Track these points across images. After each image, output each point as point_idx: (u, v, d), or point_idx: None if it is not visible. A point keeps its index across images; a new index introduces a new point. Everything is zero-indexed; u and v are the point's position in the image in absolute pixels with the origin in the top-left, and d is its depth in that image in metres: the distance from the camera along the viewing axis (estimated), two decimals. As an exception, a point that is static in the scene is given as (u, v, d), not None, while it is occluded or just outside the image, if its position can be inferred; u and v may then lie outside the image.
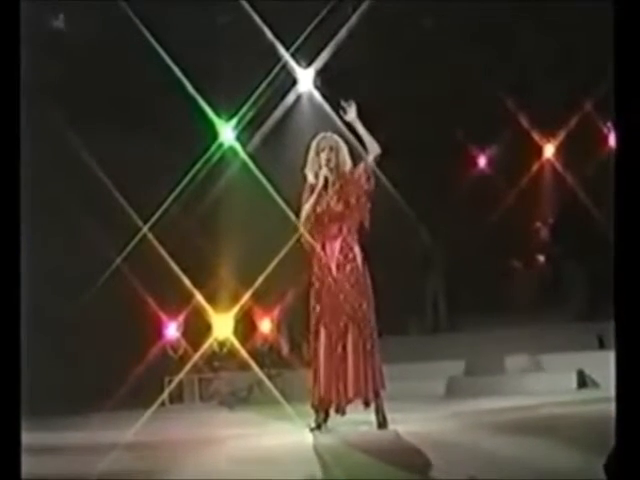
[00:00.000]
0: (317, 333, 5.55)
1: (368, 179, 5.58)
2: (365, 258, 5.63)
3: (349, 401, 5.52)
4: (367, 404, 5.55)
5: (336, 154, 5.59)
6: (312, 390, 5.56)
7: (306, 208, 5.59)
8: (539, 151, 10.80)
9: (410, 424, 5.66)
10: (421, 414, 6.33)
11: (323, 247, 5.59)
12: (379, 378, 5.55)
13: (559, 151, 10.65)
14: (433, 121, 9.84)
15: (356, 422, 5.62)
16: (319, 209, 5.58)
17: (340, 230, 5.59)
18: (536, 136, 10.51)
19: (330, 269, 5.55)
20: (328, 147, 5.59)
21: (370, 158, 5.56)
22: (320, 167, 5.59)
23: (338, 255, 5.55)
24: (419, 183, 9.74)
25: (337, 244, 5.57)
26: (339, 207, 5.58)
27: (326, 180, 5.59)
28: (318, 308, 5.56)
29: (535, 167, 10.83)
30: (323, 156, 5.58)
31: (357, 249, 5.61)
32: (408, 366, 8.29)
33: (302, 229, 5.62)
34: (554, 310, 10.08)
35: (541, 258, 12.18)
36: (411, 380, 7.95)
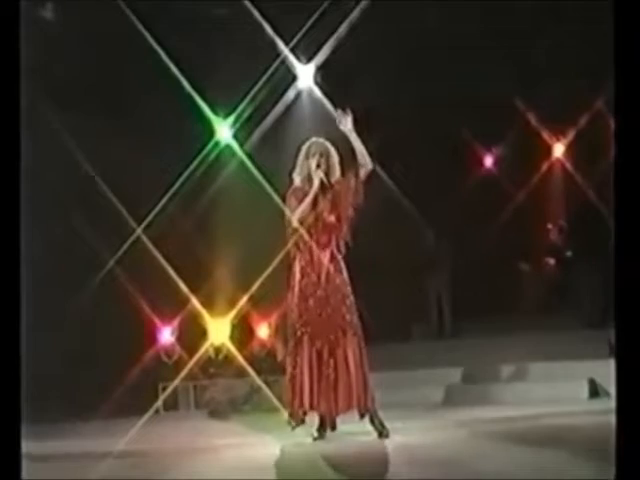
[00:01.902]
0: (300, 343, 5.60)
1: (357, 193, 5.69)
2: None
3: (338, 413, 5.59)
4: (362, 415, 5.61)
5: (326, 160, 5.70)
6: (291, 400, 5.62)
7: (298, 212, 5.66)
8: (548, 151, 10.84)
9: (413, 433, 5.72)
10: (425, 422, 6.38)
11: (312, 256, 5.66)
12: (370, 389, 5.60)
13: (569, 151, 10.70)
14: (437, 120, 9.88)
15: (356, 432, 5.66)
16: (312, 215, 5.66)
17: (329, 240, 5.68)
18: (545, 135, 10.56)
19: (320, 279, 5.63)
20: (319, 152, 5.69)
21: (362, 173, 5.67)
22: (309, 172, 5.68)
23: (328, 265, 5.64)
24: (423, 184, 9.78)
25: (327, 254, 5.67)
26: (331, 218, 5.68)
27: (322, 184, 5.68)
28: (304, 318, 5.61)
29: (544, 167, 10.87)
30: (313, 161, 5.68)
31: (341, 259, 5.70)
32: (412, 373, 8.34)
33: (291, 232, 5.69)
34: (564, 315, 10.11)
35: (551, 261, 12.22)
36: (415, 387, 8.01)
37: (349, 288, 5.69)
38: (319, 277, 5.63)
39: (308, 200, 5.66)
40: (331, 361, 5.55)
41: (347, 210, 5.70)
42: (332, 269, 5.64)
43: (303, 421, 5.66)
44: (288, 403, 5.67)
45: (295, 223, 5.67)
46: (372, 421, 5.62)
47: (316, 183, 5.67)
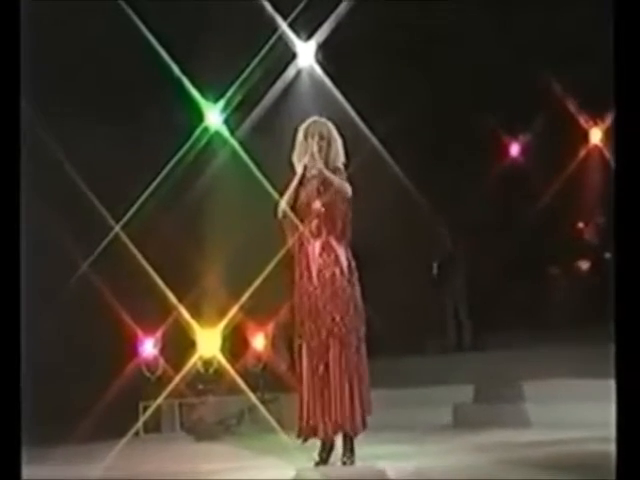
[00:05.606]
0: (299, 349, 5.63)
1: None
2: (351, 264, 5.69)
3: (336, 430, 5.54)
4: (355, 434, 5.57)
5: (327, 144, 5.71)
6: (298, 415, 5.60)
7: (282, 202, 5.69)
8: (584, 137, 10.77)
9: (426, 458, 5.74)
10: (440, 446, 6.42)
11: (302, 248, 5.69)
12: (366, 404, 5.58)
13: (608, 136, 10.61)
14: (453, 105, 9.88)
15: (362, 456, 5.65)
16: (297, 204, 5.69)
17: (320, 229, 5.67)
18: (581, 119, 10.51)
19: (310, 273, 5.63)
20: (318, 134, 5.70)
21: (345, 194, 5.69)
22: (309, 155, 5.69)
23: (318, 258, 5.64)
24: (439, 181, 9.80)
25: (317, 245, 5.67)
26: (317, 204, 5.67)
27: (305, 169, 5.70)
28: (299, 320, 5.63)
29: (579, 156, 10.78)
30: (313, 143, 5.68)
31: (341, 252, 5.68)
32: (426, 390, 8.37)
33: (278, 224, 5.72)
34: (600, 327, 10.07)
35: (585, 265, 12.21)
36: (430, 406, 8.05)
37: (346, 284, 5.63)
38: (311, 270, 5.64)
39: (291, 189, 5.69)
40: (321, 368, 5.54)
41: (337, 202, 5.67)
42: (324, 261, 5.64)
43: (315, 433, 5.61)
44: (296, 417, 5.65)
45: (280, 214, 5.69)
46: (346, 444, 5.57)
47: (299, 172, 5.70)
